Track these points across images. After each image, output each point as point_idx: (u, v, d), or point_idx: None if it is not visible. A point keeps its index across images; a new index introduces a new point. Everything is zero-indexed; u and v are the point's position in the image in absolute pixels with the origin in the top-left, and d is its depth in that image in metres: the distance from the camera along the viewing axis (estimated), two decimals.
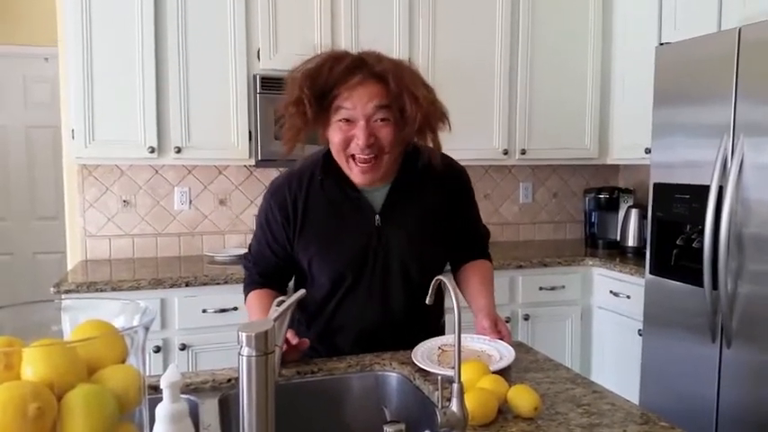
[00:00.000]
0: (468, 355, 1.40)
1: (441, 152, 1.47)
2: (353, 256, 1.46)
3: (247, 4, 2.85)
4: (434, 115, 1.38)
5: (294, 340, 1.34)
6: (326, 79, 1.30)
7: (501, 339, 1.43)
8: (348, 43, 2.88)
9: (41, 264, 4.59)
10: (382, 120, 1.34)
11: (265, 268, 1.56)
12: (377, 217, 1.47)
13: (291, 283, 1.65)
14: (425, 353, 1.42)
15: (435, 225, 1.52)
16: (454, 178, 1.57)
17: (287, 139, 1.40)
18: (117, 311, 0.74)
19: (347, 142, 1.36)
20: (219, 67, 2.84)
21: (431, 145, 1.44)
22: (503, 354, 1.39)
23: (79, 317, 0.72)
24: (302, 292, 1.06)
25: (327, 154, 1.47)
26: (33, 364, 0.59)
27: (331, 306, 1.51)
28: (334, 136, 1.37)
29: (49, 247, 4.53)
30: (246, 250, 1.65)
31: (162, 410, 0.82)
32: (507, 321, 2.97)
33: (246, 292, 1.58)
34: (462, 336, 1.40)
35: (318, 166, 1.48)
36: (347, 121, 1.34)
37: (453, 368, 1.29)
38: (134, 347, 0.67)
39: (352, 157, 1.38)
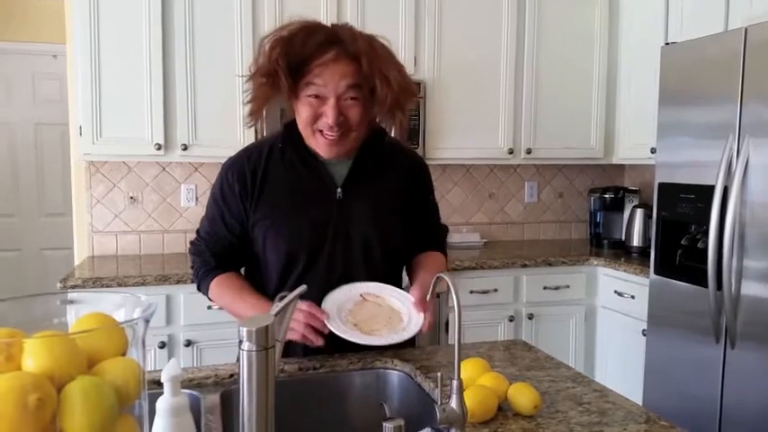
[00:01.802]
0: (380, 312, 1.36)
1: (405, 140, 1.47)
2: (312, 229, 1.41)
3: (254, 2, 2.86)
4: (404, 96, 1.36)
5: (323, 316, 1.30)
6: (299, 52, 1.27)
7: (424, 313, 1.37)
8: None
9: (49, 260, 4.62)
10: (352, 98, 1.32)
11: (219, 249, 1.48)
12: (338, 190, 1.43)
13: None
14: (339, 303, 1.36)
15: (397, 206, 1.48)
16: (416, 167, 1.57)
17: (254, 108, 1.37)
18: (118, 305, 0.75)
19: (315, 118, 1.33)
20: (226, 65, 2.85)
21: (398, 124, 1.41)
22: (409, 325, 1.34)
23: (81, 310, 0.73)
24: (303, 287, 1.06)
25: (289, 124, 1.44)
26: (34, 356, 0.59)
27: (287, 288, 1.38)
28: (303, 110, 1.34)
29: (56, 243, 4.56)
30: (195, 236, 1.55)
31: (162, 404, 0.83)
32: (511, 320, 2.98)
33: (207, 281, 1.47)
34: (390, 288, 1.39)
35: (279, 136, 1.45)
36: (317, 97, 1.31)
37: (369, 334, 1.29)
38: (134, 340, 0.68)
39: (320, 131, 1.35)
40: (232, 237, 1.46)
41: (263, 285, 1.47)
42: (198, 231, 1.54)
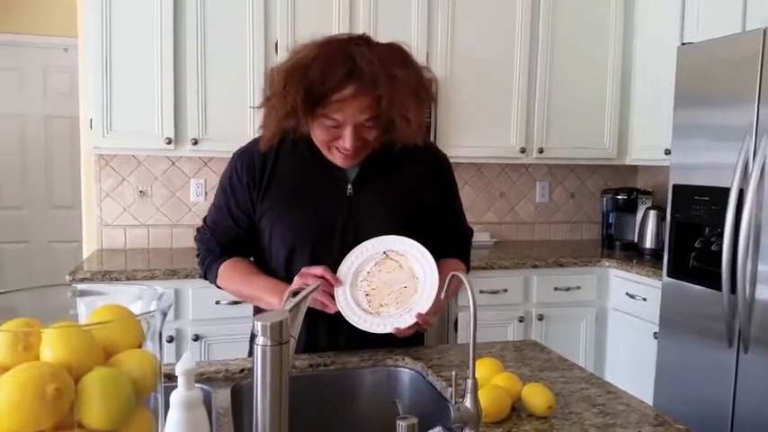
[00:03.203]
0: (397, 277, 1.32)
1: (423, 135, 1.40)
2: (320, 224, 1.37)
3: None
4: (423, 116, 1.32)
5: (337, 284, 1.29)
6: (318, 86, 1.22)
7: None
8: None
9: (57, 252, 4.64)
10: (370, 125, 1.29)
11: (224, 240, 1.46)
12: (349, 186, 1.39)
13: None
14: (360, 262, 1.33)
15: (412, 204, 1.43)
16: (436, 163, 1.50)
17: (268, 135, 1.33)
18: (134, 297, 0.74)
19: (332, 140, 1.31)
20: (237, 60, 2.84)
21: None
22: (419, 301, 1.30)
23: (96, 302, 0.72)
24: (318, 282, 1.05)
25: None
26: (52, 346, 0.59)
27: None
28: (319, 134, 1.31)
29: (65, 236, 4.57)
30: (201, 223, 1.53)
31: (176, 397, 0.82)
32: (521, 321, 2.97)
33: (213, 267, 1.45)
34: (416, 248, 1.32)
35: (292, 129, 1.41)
36: (334, 125, 1.28)
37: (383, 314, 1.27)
38: (150, 332, 0.67)
39: (336, 148, 1.33)
40: (238, 228, 1.44)
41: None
42: (204, 219, 1.52)
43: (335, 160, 1.35)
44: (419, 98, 1.28)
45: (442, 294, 1.22)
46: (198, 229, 1.53)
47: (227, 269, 1.44)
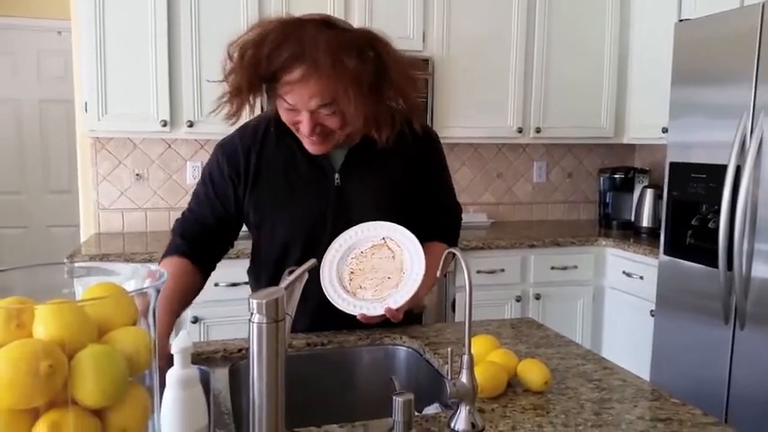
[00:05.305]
0: (384, 266, 1.31)
1: (419, 117, 1.38)
2: (310, 218, 1.35)
3: None
4: (388, 102, 1.27)
5: None
6: (266, 69, 1.18)
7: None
8: (362, 18, 2.84)
9: (55, 237, 4.64)
10: (327, 113, 1.23)
11: (193, 230, 1.41)
12: (336, 176, 1.36)
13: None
14: (358, 239, 1.32)
15: (401, 190, 1.40)
16: (423, 144, 1.44)
17: (229, 113, 1.27)
18: (128, 275, 0.74)
19: (294, 124, 1.27)
20: (232, 41, 2.81)
21: (379, 138, 1.32)
22: (394, 295, 1.29)
23: (91, 281, 0.72)
24: (313, 261, 1.05)
25: None
26: (45, 323, 0.59)
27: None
28: (282, 114, 1.27)
29: (62, 221, 4.57)
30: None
31: (173, 376, 0.82)
32: (518, 301, 2.98)
33: (161, 260, 1.41)
34: (411, 241, 1.30)
35: (272, 118, 1.37)
36: (292, 108, 1.23)
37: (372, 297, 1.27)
38: (145, 310, 0.67)
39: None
40: (214, 219, 1.40)
41: (260, 273, 1.44)
42: (183, 212, 1.47)
43: (306, 146, 1.31)
44: (364, 89, 1.20)
45: (439, 273, 1.21)
46: (177, 220, 1.47)
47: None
